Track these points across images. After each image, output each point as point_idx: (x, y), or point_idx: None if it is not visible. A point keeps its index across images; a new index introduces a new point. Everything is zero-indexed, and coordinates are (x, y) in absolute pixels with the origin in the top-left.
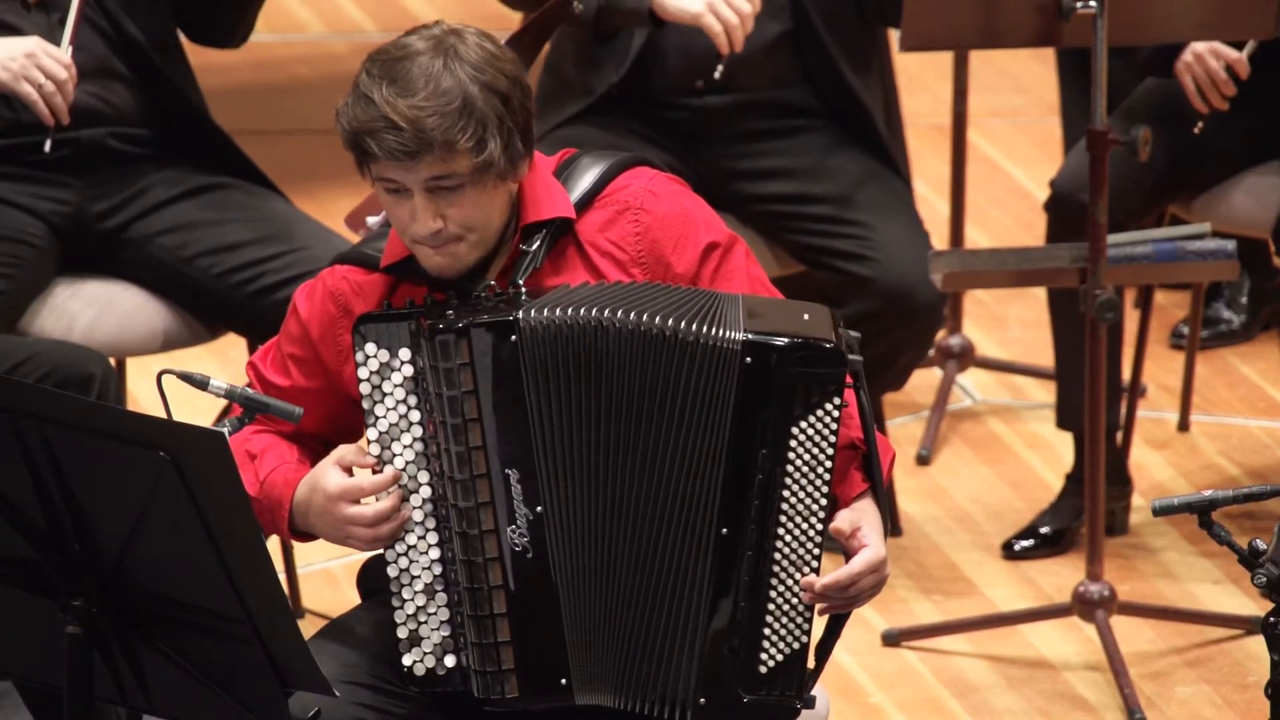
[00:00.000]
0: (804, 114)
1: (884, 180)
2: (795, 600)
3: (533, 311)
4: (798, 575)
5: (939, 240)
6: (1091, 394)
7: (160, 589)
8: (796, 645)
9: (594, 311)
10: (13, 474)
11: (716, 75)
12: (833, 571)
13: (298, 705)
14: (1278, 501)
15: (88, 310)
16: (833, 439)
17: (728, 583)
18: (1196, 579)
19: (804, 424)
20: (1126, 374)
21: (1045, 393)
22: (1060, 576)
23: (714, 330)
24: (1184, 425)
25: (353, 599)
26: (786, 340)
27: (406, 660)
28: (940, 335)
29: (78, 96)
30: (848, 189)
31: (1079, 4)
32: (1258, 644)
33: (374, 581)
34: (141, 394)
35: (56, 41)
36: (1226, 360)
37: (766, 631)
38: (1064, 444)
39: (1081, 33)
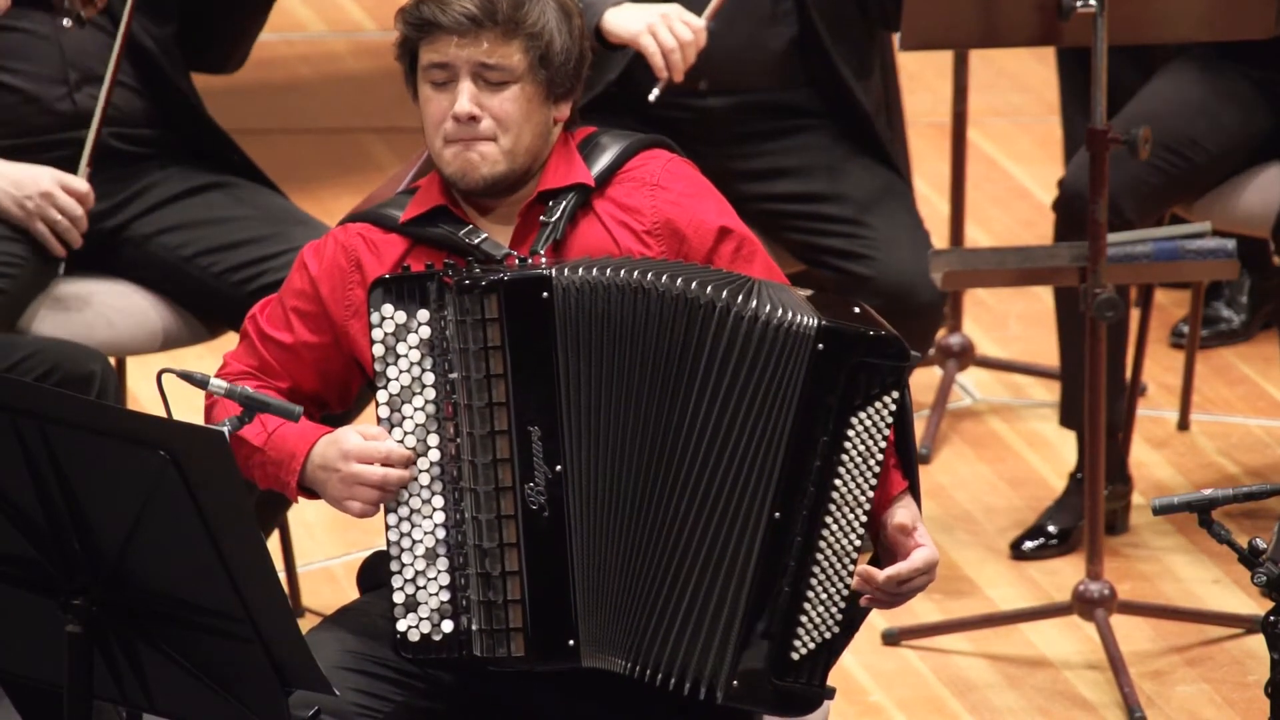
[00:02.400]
0: (805, 114)
1: (884, 179)
2: (833, 590)
3: (566, 270)
4: (838, 565)
5: (939, 239)
6: (1091, 393)
7: (160, 588)
8: (828, 635)
9: (634, 274)
10: (13, 473)
11: (651, 98)
12: (872, 566)
13: (298, 704)
14: (1277, 500)
15: (88, 309)
16: (887, 432)
17: (773, 567)
18: (1196, 578)
19: (863, 414)
20: (1127, 373)
21: (1045, 391)
22: (1060, 575)
23: (780, 312)
24: (1184, 424)
25: (352, 598)
26: (860, 330)
27: (401, 625)
28: (940, 334)
29: (81, 100)
30: (848, 188)
31: (1079, 3)
32: (1258, 643)
33: (374, 579)
34: (142, 393)
35: (104, 69)
36: (1226, 359)
37: (802, 619)
38: (1064, 443)
39: (1082, 32)
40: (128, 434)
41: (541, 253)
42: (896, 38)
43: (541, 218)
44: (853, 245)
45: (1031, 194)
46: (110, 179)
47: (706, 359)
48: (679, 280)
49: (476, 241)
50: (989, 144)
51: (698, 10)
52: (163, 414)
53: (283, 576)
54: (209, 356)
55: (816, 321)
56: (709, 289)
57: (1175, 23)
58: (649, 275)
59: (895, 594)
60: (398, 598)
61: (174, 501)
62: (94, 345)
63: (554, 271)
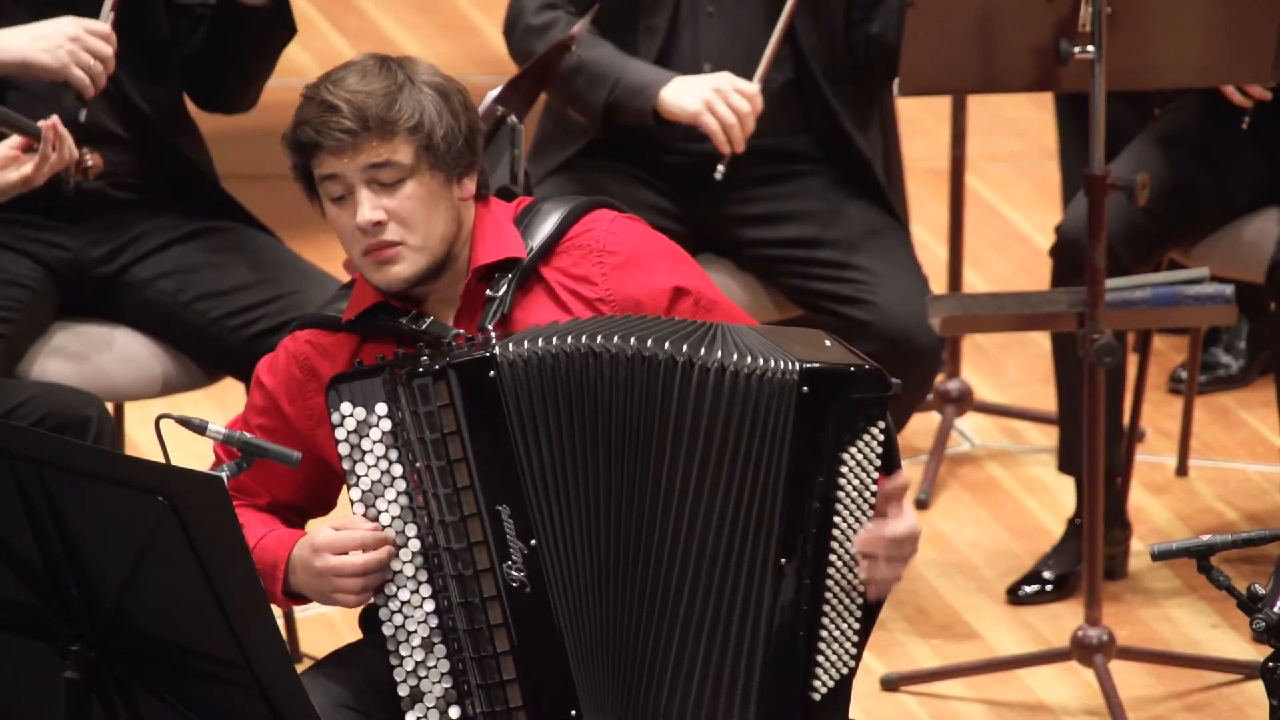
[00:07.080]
0: (804, 160)
1: (883, 225)
2: (845, 625)
3: (510, 346)
4: (847, 600)
5: (937, 284)
6: (1090, 438)
7: (159, 633)
8: (846, 670)
9: (582, 339)
10: (11, 518)
11: (717, 175)
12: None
13: None
14: (1276, 546)
15: (86, 354)
16: (878, 461)
17: (786, 614)
18: (1195, 623)
19: (853, 449)
20: (1125, 418)
21: (1044, 437)
22: (1059, 621)
23: (751, 360)
24: (1182, 470)
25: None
26: (841, 367)
27: (410, 718)
28: (939, 379)
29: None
30: (847, 234)
31: (1077, 49)
32: (1257, 689)
33: (376, 623)
34: (140, 439)
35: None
36: (1225, 405)
37: (820, 659)
38: (1062, 488)
39: (1080, 78)
40: (126, 479)
41: (490, 328)
42: (895, 85)
43: (488, 292)
44: (851, 290)
45: (1029, 239)
46: (107, 225)
47: (677, 414)
48: (632, 339)
49: (424, 326)
50: (987, 189)
51: (745, 72)
52: (161, 459)
53: (281, 623)
54: (207, 401)
55: (796, 365)
56: (666, 344)
57: (1173, 69)
58: (599, 338)
59: (885, 559)
60: (402, 690)
61: (172, 547)
62: (93, 391)
63: (497, 349)
